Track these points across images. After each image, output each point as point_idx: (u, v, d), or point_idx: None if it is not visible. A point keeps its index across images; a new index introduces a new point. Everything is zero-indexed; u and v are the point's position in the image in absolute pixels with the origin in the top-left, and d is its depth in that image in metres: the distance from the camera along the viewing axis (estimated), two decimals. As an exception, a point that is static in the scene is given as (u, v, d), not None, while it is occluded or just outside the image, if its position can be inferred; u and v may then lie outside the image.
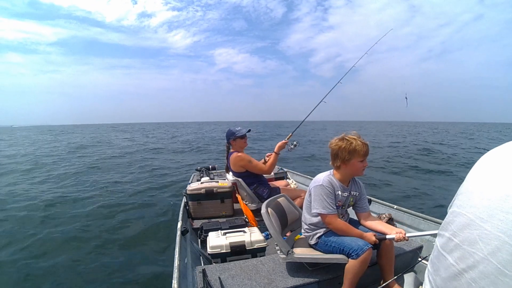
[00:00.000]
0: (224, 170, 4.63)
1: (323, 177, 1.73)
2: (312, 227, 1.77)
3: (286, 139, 2.81)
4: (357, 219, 1.86)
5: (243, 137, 2.91)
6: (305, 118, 3.13)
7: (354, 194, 1.81)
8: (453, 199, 0.75)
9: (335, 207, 1.68)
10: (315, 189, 1.70)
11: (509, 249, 0.53)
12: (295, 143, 2.66)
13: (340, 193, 1.72)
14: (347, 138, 1.69)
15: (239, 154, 2.85)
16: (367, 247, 1.52)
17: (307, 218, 1.80)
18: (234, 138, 2.90)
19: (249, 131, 2.96)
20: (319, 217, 1.73)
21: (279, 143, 2.71)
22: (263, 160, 2.99)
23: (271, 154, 2.81)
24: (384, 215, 2.49)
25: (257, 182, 2.93)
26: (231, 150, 2.98)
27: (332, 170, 1.78)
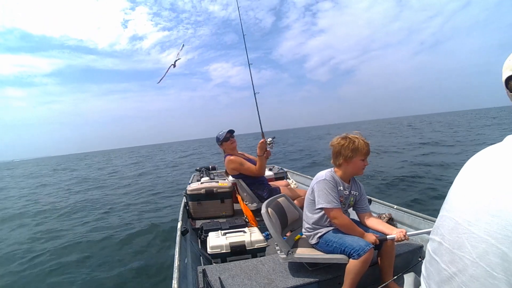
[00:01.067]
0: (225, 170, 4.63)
1: (325, 173, 1.74)
2: (314, 226, 1.77)
3: (262, 139, 2.82)
4: (358, 220, 1.86)
5: (227, 139, 2.95)
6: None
7: (354, 193, 1.81)
8: (443, 203, 0.74)
9: (339, 202, 1.68)
10: (318, 184, 1.70)
11: (497, 252, 0.53)
12: (270, 139, 2.75)
13: (342, 189, 1.73)
14: (349, 136, 1.70)
15: (231, 157, 2.88)
16: (369, 247, 1.52)
17: (309, 216, 1.79)
18: (221, 143, 2.97)
19: (232, 131, 2.99)
20: (321, 215, 1.73)
21: (258, 145, 2.75)
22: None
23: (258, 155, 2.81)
24: (384, 215, 2.49)
25: (257, 182, 2.93)
26: (225, 154, 3.00)
27: (333, 168, 1.78)
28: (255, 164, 2.83)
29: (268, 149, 2.74)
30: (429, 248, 0.74)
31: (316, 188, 1.70)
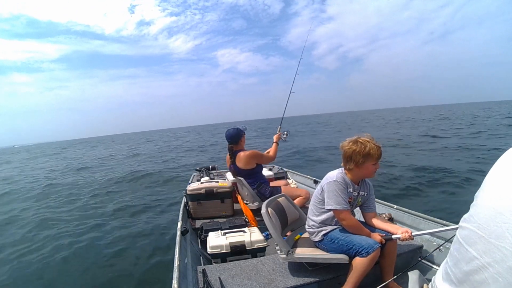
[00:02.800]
0: (225, 170, 4.62)
1: (336, 174, 1.73)
2: (320, 224, 1.77)
3: (278, 131, 3.27)
4: (363, 219, 1.86)
5: (244, 135, 3.05)
6: (283, 115, 3.75)
7: (363, 194, 1.81)
8: (478, 191, 0.72)
9: (348, 203, 1.68)
10: (329, 185, 1.69)
11: None
12: (286, 132, 3.29)
13: (351, 191, 1.73)
14: (360, 141, 1.67)
15: (251, 151, 2.90)
16: (377, 246, 1.54)
17: (315, 214, 1.79)
18: (243, 135, 3.02)
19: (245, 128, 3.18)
20: (329, 215, 1.73)
21: (276, 135, 3.19)
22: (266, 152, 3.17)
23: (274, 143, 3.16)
24: (384, 215, 2.49)
25: (259, 181, 2.93)
26: (236, 149, 2.97)
27: (343, 168, 1.77)
28: None
29: (283, 140, 3.23)
30: (458, 236, 0.72)
31: (326, 189, 1.70)
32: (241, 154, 2.89)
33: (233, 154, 2.96)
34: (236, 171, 2.98)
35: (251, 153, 2.88)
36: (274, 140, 3.15)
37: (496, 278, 0.58)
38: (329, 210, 1.69)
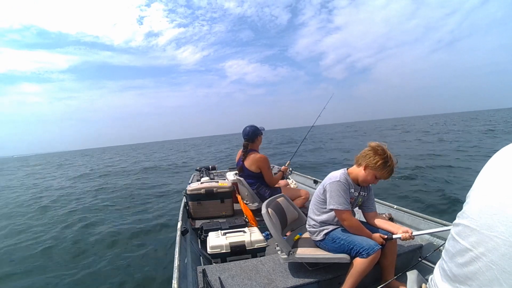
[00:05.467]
0: (225, 170, 4.63)
1: (339, 174, 1.73)
2: (321, 224, 1.77)
3: (286, 165, 3.32)
4: (364, 219, 1.87)
5: (261, 134, 3.05)
6: (306, 134, 4.09)
7: (363, 194, 1.82)
8: (470, 191, 0.76)
9: (350, 204, 1.68)
10: (332, 185, 1.69)
11: None
12: (290, 169, 3.41)
13: (353, 191, 1.73)
14: (389, 154, 1.65)
15: (261, 156, 2.89)
16: (378, 248, 1.54)
17: (317, 214, 1.79)
18: (260, 135, 3.01)
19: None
20: (330, 214, 1.73)
21: (284, 167, 3.26)
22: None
23: (280, 172, 3.19)
24: (384, 215, 2.49)
25: (259, 182, 2.93)
26: (251, 148, 2.97)
27: (345, 169, 1.78)
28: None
29: (286, 174, 3.28)
30: (452, 232, 0.77)
31: (329, 188, 1.70)
32: (252, 155, 2.90)
33: (246, 152, 2.96)
34: (242, 169, 2.98)
35: (261, 158, 2.87)
36: (282, 170, 3.17)
37: (490, 266, 0.62)
38: (331, 210, 1.69)
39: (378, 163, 1.63)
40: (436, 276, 0.82)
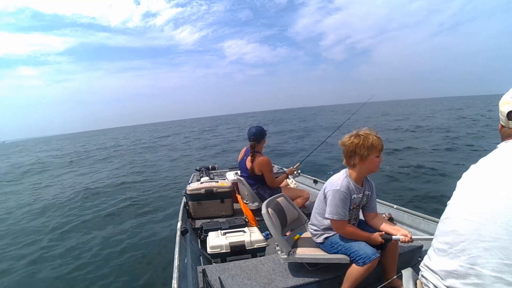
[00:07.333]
0: (225, 170, 4.62)
1: (340, 181, 1.64)
2: (323, 229, 1.75)
3: (294, 167, 3.17)
4: (364, 219, 1.85)
5: (265, 136, 3.01)
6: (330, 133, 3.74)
7: (367, 193, 1.77)
8: (451, 198, 0.87)
9: (347, 213, 1.64)
10: (331, 193, 1.63)
11: None
12: (299, 171, 3.24)
13: (356, 196, 1.68)
14: (361, 134, 1.60)
15: (264, 159, 2.84)
16: (375, 257, 1.52)
17: (319, 219, 1.76)
18: (265, 135, 2.97)
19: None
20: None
21: (289, 170, 3.13)
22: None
23: (285, 174, 3.13)
24: (384, 215, 2.49)
25: (259, 182, 2.93)
26: (257, 149, 2.93)
27: (346, 170, 1.70)
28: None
29: (293, 176, 3.22)
30: (439, 227, 0.91)
31: (329, 196, 1.65)
32: (263, 158, 2.85)
33: (252, 154, 2.90)
34: (246, 169, 2.95)
35: (263, 160, 2.82)
36: (286, 172, 3.12)
37: (475, 245, 0.76)
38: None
39: (366, 146, 1.56)
40: (426, 260, 0.93)
